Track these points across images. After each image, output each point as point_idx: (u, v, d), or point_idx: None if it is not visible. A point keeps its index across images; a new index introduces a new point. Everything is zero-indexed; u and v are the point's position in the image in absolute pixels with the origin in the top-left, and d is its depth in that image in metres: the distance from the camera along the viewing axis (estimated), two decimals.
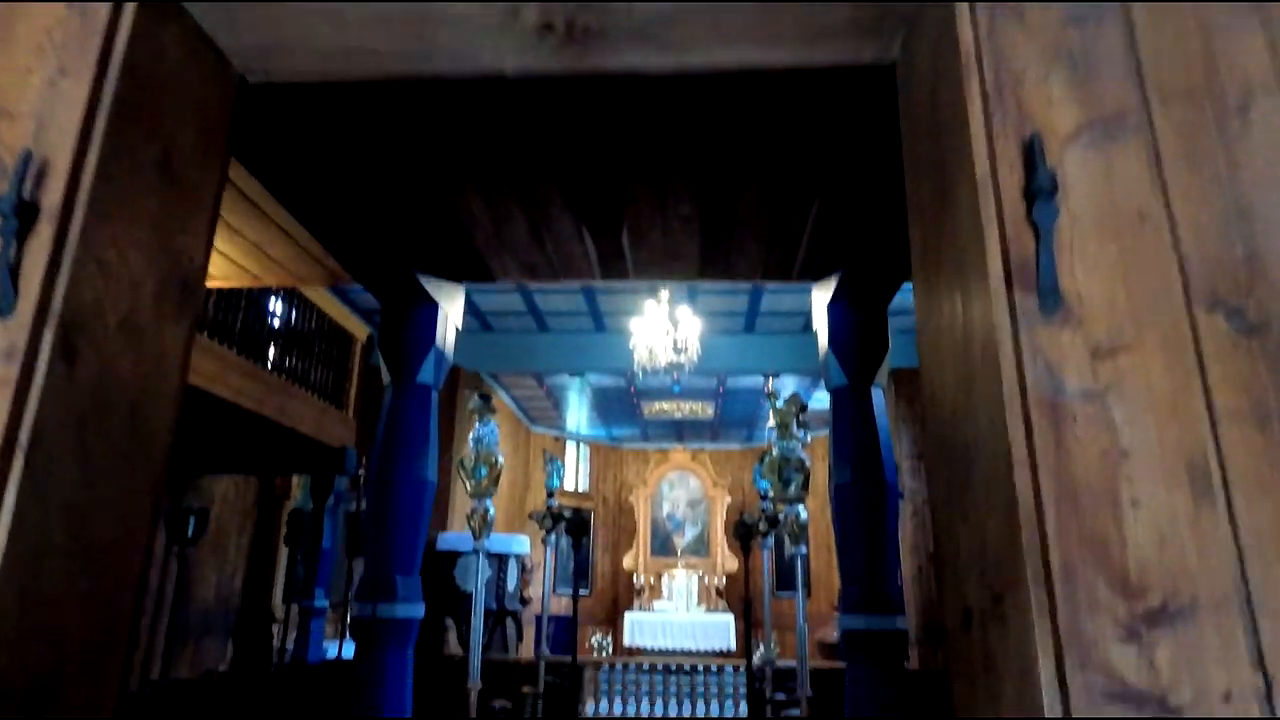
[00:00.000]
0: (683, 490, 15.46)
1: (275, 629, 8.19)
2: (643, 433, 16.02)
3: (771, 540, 5.67)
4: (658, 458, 15.62)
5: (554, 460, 5.92)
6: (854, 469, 3.11)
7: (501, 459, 4.25)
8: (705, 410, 14.19)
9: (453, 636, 10.64)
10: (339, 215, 3.08)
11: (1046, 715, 0.89)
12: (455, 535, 10.64)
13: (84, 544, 1.23)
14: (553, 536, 5.71)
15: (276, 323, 7.10)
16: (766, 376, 11.81)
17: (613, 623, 15.31)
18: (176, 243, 1.47)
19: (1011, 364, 1.01)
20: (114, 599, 1.29)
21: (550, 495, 5.77)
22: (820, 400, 12.64)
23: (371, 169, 2.84)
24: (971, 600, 1.13)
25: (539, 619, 13.48)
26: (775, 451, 4.03)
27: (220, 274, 3.89)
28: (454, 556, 10.27)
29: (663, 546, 15.14)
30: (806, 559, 4.01)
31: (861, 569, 3.02)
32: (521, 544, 10.59)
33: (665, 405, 13.95)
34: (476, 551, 4.19)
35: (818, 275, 3.56)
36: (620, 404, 14.02)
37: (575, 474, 16.16)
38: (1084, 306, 1.00)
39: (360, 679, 3.09)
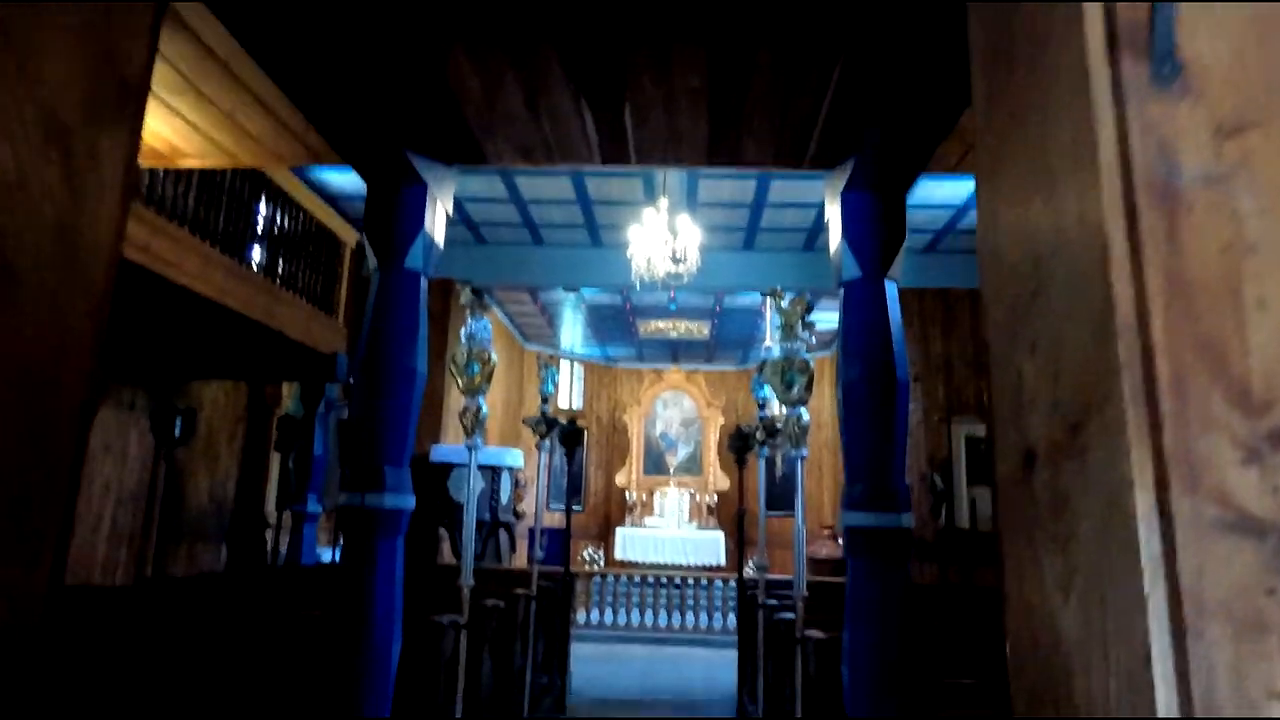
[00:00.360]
0: (676, 410, 15.44)
1: (269, 534, 8.18)
2: (638, 352, 15.90)
3: (765, 454, 5.58)
4: (652, 377, 15.55)
5: (549, 367, 5.78)
6: (864, 362, 2.96)
7: (495, 357, 4.09)
8: (701, 330, 14.04)
9: (447, 547, 10.72)
10: (320, 77, 2.82)
11: (1143, 549, 0.74)
12: (449, 448, 10.59)
13: (5, 366, 1.05)
14: (546, 443, 5.61)
15: (262, 224, 6.83)
16: (765, 295, 11.62)
17: (605, 538, 15.49)
18: (113, 38, 1.25)
19: (1113, 145, 0.83)
20: (49, 427, 1.12)
21: (544, 401, 5.65)
22: (827, 318, 12.47)
23: (354, 21, 2.58)
24: (1035, 439, 0.97)
25: (532, 530, 13.62)
26: (778, 353, 3.87)
27: (194, 151, 3.64)
28: (447, 468, 10.24)
29: (655, 465, 15.21)
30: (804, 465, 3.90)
31: (868, 465, 2.90)
32: (515, 457, 10.57)
33: (661, 324, 13.79)
34: (469, 448, 4.06)
35: (832, 162, 3.34)
36: (616, 322, 13.84)
37: (569, 392, 16.11)
38: (1207, 76, 0.82)
39: (349, 570, 2.99)
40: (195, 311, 5.79)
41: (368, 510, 3.00)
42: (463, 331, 4.15)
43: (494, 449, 11.13)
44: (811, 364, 3.85)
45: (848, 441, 2.96)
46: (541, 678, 6.31)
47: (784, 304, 4.00)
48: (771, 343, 12.71)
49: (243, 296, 6.07)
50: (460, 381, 4.05)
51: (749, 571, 14.22)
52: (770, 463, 15.97)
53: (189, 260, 5.42)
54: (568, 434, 6.94)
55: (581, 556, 14.02)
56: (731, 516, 15.93)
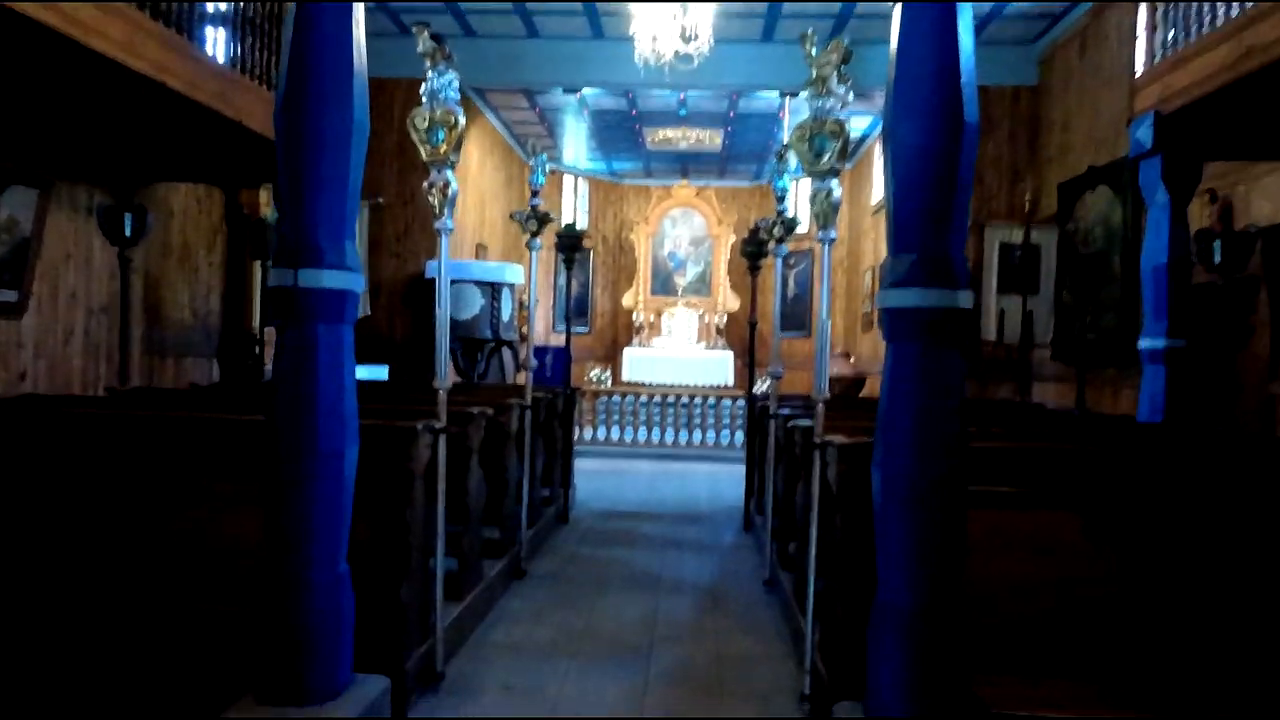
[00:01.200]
0: (685, 228, 14.68)
1: (259, 349, 7.79)
2: (645, 166, 14.92)
3: (784, 252, 4.96)
4: (660, 194, 14.67)
5: (539, 155, 5.06)
6: (924, 102, 2.27)
7: (462, 119, 3.40)
8: (713, 140, 13.01)
9: (451, 367, 10.42)
10: None
11: None
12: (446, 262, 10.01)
13: None
14: (538, 243, 5.00)
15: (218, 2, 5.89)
16: (784, 96, 10.55)
17: (612, 359, 15.25)
18: None
19: None
20: None
21: (534, 194, 4.97)
22: (849, 126, 11.31)
23: None
24: None
25: (539, 350, 13.30)
26: (807, 113, 3.16)
27: None
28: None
29: (663, 285, 14.67)
30: (833, 246, 3.30)
31: (920, 231, 2.29)
32: (515, 273, 10.01)
33: (670, 133, 12.76)
34: (439, 231, 3.47)
35: None
36: (621, 131, 12.81)
37: (574, 211, 15.30)
38: None
39: (282, 366, 2.48)
40: (132, 93, 5.02)
41: (303, 291, 2.45)
42: (423, 89, 3.43)
43: (493, 264, 10.56)
44: (847, 124, 3.14)
45: (897, 202, 2.33)
46: (542, 490, 6.08)
47: (813, 50, 3.23)
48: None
49: (187, 77, 5.26)
50: (424, 151, 3.38)
51: (760, 388, 14.05)
52: (783, 281, 15.42)
53: (114, 27, 4.59)
54: (566, 239, 6.32)
55: (588, 378, 13.81)
56: (741, 338, 15.60)
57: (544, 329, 14.87)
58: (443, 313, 3.49)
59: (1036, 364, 9.56)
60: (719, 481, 8.79)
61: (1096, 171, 7.82)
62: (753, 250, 6.21)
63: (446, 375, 3.46)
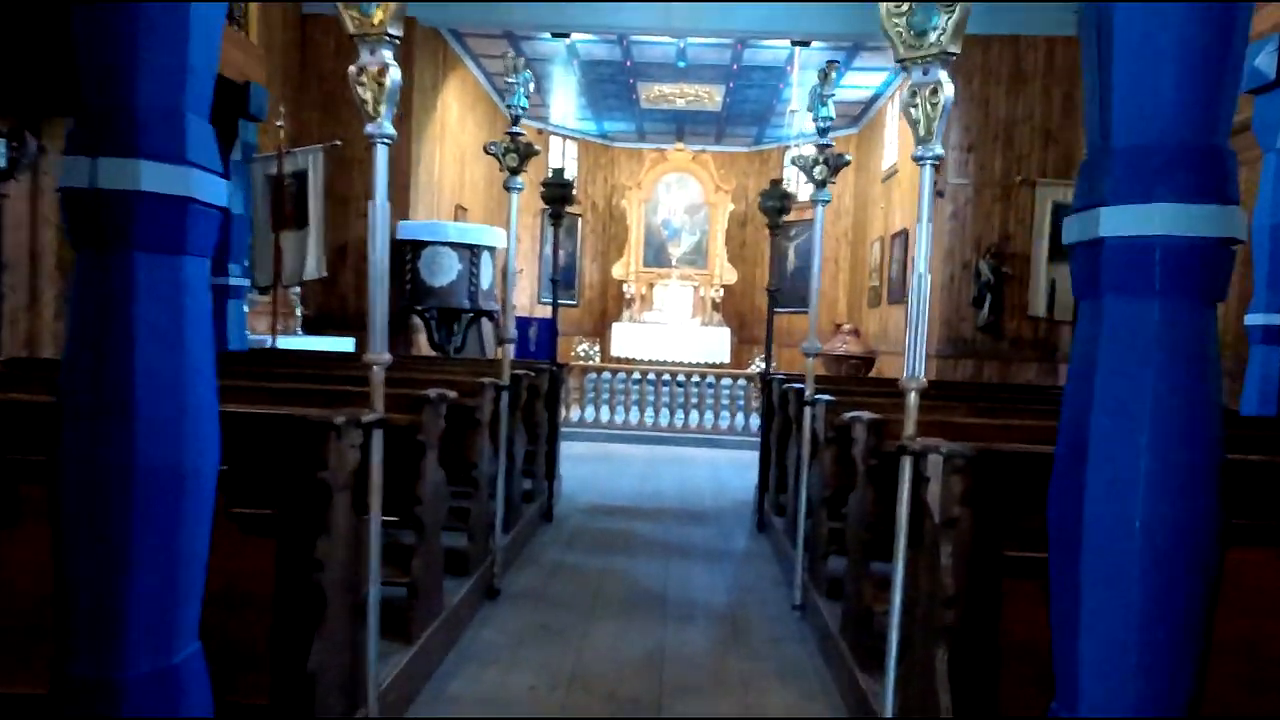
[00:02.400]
0: (681, 195, 13.62)
1: None
2: (638, 127, 13.81)
3: (826, 201, 3.96)
4: (654, 158, 13.58)
5: (520, 73, 4.01)
6: None
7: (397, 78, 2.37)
8: (713, 98, 11.92)
9: (423, 338, 9.38)
10: None
11: None
12: (418, 223, 8.94)
13: None
14: (518, 182, 3.97)
15: None
16: (795, 45, 9.48)
17: (600, 334, 14.24)
18: None
19: None
20: None
21: (515, 121, 3.92)
22: (856, 86, 10.23)
23: None
24: None
25: (522, 322, 12.25)
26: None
27: None
28: (418, 247, 8.65)
29: (656, 256, 13.63)
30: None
31: (1181, 105, 1.29)
32: (497, 236, 8.95)
33: (666, 89, 11.65)
34: (373, 139, 2.45)
35: None
36: (613, 86, 11.69)
37: (562, 173, 14.14)
38: None
39: (68, 324, 1.45)
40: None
41: (106, 196, 1.42)
42: None
43: (471, 225, 9.48)
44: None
45: (1133, 56, 1.33)
46: (523, 483, 5.10)
47: None
48: (798, 106, 10.68)
49: None
50: (349, 20, 2.33)
51: (757, 367, 13.09)
52: (781, 256, 14.38)
53: None
54: (553, 189, 5.29)
55: (575, 353, 12.80)
56: (738, 313, 14.63)
57: (528, 300, 13.80)
58: (377, 257, 2.49)
59: (1067, 342, 8.68)
60: (721, 470, 7.84)
61: None
62: (774, 205, 5.20)
63: (382, 345, 2.46)
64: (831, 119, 3.84)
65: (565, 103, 12.66)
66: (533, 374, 4.78)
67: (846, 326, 10.54)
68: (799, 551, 3.86)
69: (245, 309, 5.85)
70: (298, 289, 8.29)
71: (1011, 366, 8.91)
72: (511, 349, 4.14)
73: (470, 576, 3.66)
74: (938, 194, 9.16)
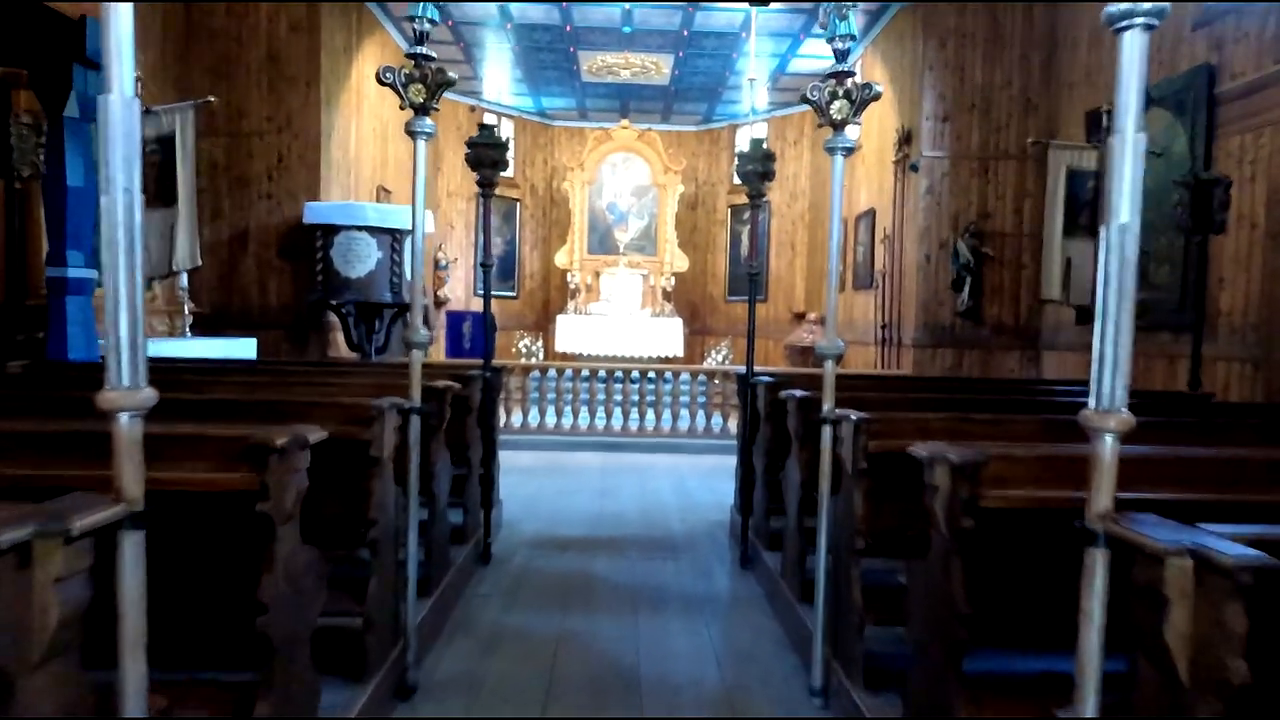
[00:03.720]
0: (627, 176, 12.55)
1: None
2: (579, 104, 12.67)
3: (848, 147, 2.94)
4: (598, 136, 12.48)
5: None
6: None
7: None
8: (660, 69, 10.86)
9: (340, 338, 8.12)
10: None
11: None
12: (329, 205, 7.68)
13: None
14: (427, 124, 2.86)
15: None
16: (752, 5, 8.49)
17: (543, 328, 13.11)
18: None
19: None
20: None
21: (419, 40, 2.78)
22: (816, 56, 9.15)
23: None
24: None
25: (456, 316, 11.03)
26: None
27: None
28: (330, 232, 7.40)
29: (601, 242, 12.54)
30: None
31: None
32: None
33: (610, 59, 10.55)
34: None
35: None
36: (551, 55, 10.53)
37: None
38: None
39: None
40: None
41: None
42: None
43: (393, 207, 8.25)
44: None
45: None
46: (452, 518, 4.00)
47: None
48: (755, 75, 9.71)
49: None
50: None
51: (715, 359, 12.12)
52: (734, 238, 13.44)
53: None
54: (482, 149, 4.17)
55: (517, 349, 11.65)
56: (689, 303, 13.64)
57: (464, 292, 12.58)
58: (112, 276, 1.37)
59: (1050, 328, 7.95)
60: (686, 479, 6.84)
61: (1147, 92, 6.09)
62: (755, 169, 4.19)
63: (126, 375, 1.34)
64: (855, 38, 2.82)
65: (499, 76, 11.44)
66: (458, 385, 3.67)
67: (812, 316, 9.66)
68: (818, 618, 2.86)
69: (91, 307, 4.58)
70: (185, 283, 6.98)
71: (993, 355, 8.14)
72: (420, 355, 3.04)
73: (370, 680, 2.56)
74: (911, 168, 8.31)
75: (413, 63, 2.73)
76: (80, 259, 4.48)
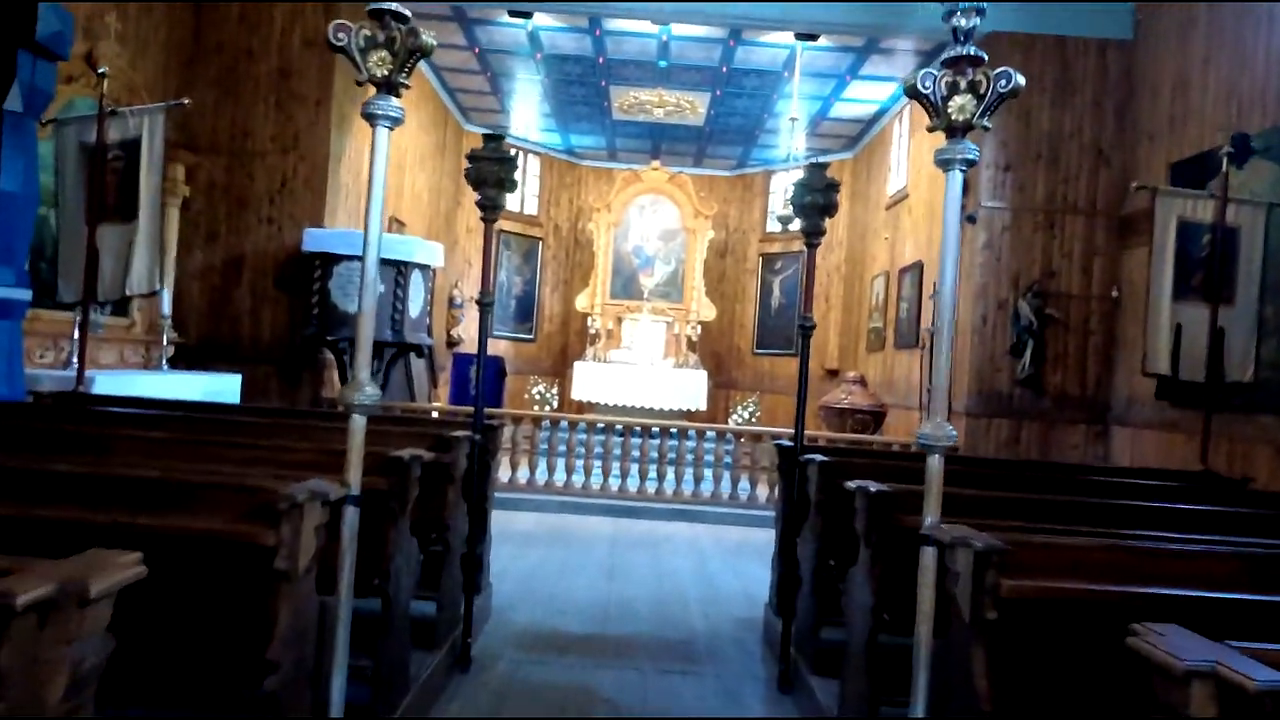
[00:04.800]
0: (655, 219, 11.88)
1: None
2: (609, 143, 12.09)
3: (958, 189, 2.17)
4: (627, 177, 11.85)
5: None
6: None
7: None
8: (695, 109, 10.25)
9: (336, 375, 7.38)
10: None
11: None
12: (329, 232, 7.00)
13: None
14: (390, 104, 2.11)
15: None
16: (798, 40, 7.84)
17: (560, 374, 12.34)
18: None
19: None
20: None
21: None
22: (857, 100, 8.45)
23: None
24: None
25: (462, 359, 10.27)
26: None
27: None
28: (330, 262, 6.72)
29: (625, 287, 11.82)
30: None
31: None
32: (432, 253, 7.04)
33: (643, 95, 9.95)
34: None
35: None
36: (582, 89, 9.96)
37: (521, 192, 12.36)
38: None
39: None
40: None
41: None
42: None
43: (400, 237, 7.57)
44: None
45: None
46: (422, 610, 3.16)
47: None
48: (798, 115, 9.02)
49: None
50: None
51: (739, 417, 11.23)
52: (766, 288, 12.67)
53: None
54: (483, 163, 3.43)
55: (530, 395, 10.87)
56: (714, 353, 12.84)
57: (477, 331, 11.84)
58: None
59: (1121, 401, 7.04)
60: (708, 558, 5.94)
61: (1241, 141, 5.29)
62: (815, 201, 3.40)
63: None
64: (982, 10, 2.03)
65: (527, 109, 10.89)
66: (428, 454, 2.85)
67: (851, 375, 8.80)
68: None
69: (20, 335, 3.85)
70: (167, 310, 6.30)
71: (1055, 429, 7.22)
72: (361, 422, 2.26)
73: None
74: (968, 219, 7.51)
75: (376, 22, 1.98)
76: (9, 276, 3.76)
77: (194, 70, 7.23)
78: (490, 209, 3.44)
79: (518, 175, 12.54)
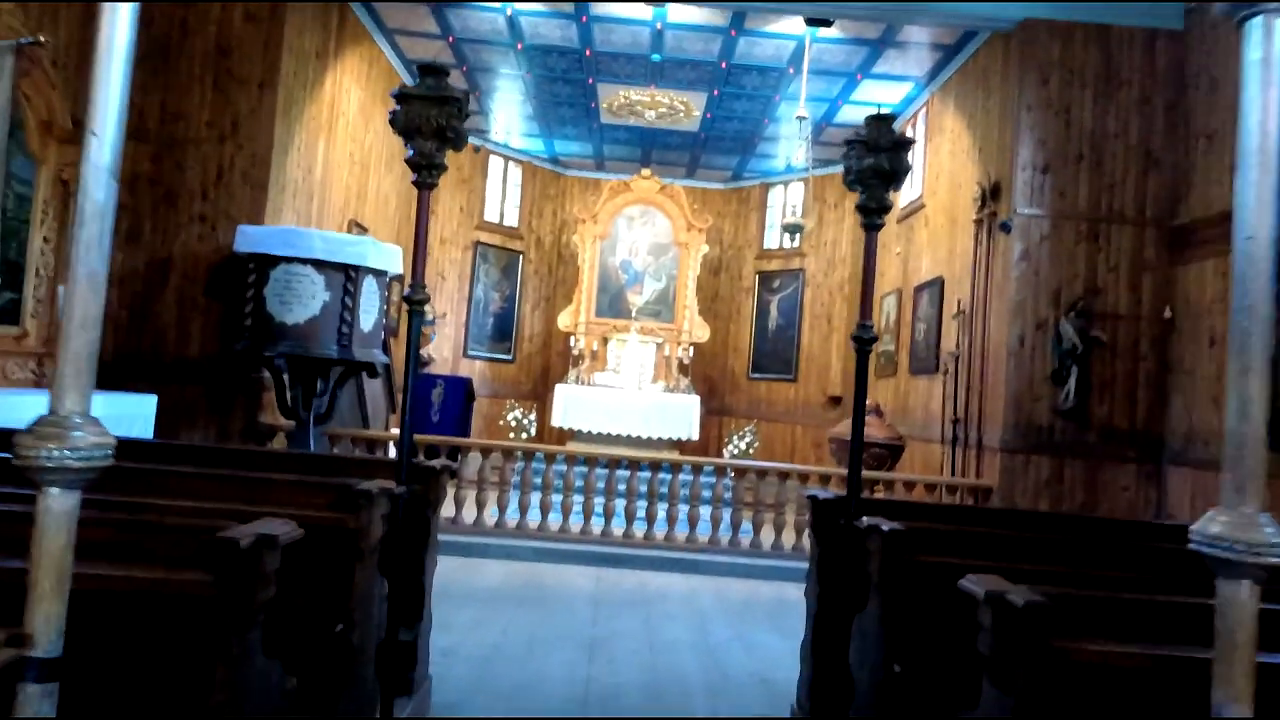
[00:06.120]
0: (645, 232, 10.91)
1: None
2: (596, 151, 11.15)
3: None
4: (615, 187, 10.90)
5: None
6: None
7: None
8: (690, 111, 9.33)
9: (274, 398, 6.29)
10: None
11: None
12: (265, 230, 5.94)
13: None
14: None
15: None
16: (810, 26, 6.94)
17: (540, 398, 11.28)
18: None
19: None
20: None
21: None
22: (866, 104, 7.53)
23: None
24: None
25: (426, 381, 9.18)
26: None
27: None
28: (266, 264, 5.65)
29: (612, 305, 10.82)
30: None
31: None
32: (387, 255, 5.99)
33: (633, 94, 9.02)
34: None
35: None
36: (567, 88, 9.02)
37: (501, 203, 11.39)
38: None
39: None
40: None
41: None
42: None
43: (350, 237, 6.53)
44: None
45: None
46: None
47: None
48: (806, 114, 8.08)
49: None
50: None
51: (735, 447, 10.19)
52: (762, 308, 11.69)
53: None
54: (415, 104, 2.41)
55: (506, 421, 9.79)
56: (707, 377, 11.84)
57: (451, 352, 10.81)
58: None
59: (1178, 437, 6.10)
60: (708, 620, 4.87)
61: None
62: (877, 165, 2.42)
63: None
64: None
65: (508, 110, 9.93)
66: (288, 534, 1.79)
67: (866, 403, 7.81)
68: None
69: None
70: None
71: (1103, 468, 6.24)
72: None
73: None
74: (1002, 228, 6.58)
75: None
76: None
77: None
78: (425, 169, 2.41)
79: (498, 193, 11.39)
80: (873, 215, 2.53)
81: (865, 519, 2.50)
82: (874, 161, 2.44)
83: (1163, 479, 6.19)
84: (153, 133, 6.22)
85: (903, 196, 8.97)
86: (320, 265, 5.62)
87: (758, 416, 11.00)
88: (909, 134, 8.86)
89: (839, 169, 9.59)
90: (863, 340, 2.59)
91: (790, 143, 10.04)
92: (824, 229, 10.75)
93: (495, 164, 11.20)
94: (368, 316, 5.88)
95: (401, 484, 2.43)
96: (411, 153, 2.42)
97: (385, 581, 2.47)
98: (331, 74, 7.19)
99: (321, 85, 7.05)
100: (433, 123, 2.39)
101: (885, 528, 2.32)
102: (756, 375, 11.49)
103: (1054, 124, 6.39)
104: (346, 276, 5.70)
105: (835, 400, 10.40)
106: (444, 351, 10.70)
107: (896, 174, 2.45)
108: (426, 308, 9.99)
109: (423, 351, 10.34)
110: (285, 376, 5.86)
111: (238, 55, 6.30)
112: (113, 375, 5.94)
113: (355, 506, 2.26)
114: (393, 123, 2.42)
